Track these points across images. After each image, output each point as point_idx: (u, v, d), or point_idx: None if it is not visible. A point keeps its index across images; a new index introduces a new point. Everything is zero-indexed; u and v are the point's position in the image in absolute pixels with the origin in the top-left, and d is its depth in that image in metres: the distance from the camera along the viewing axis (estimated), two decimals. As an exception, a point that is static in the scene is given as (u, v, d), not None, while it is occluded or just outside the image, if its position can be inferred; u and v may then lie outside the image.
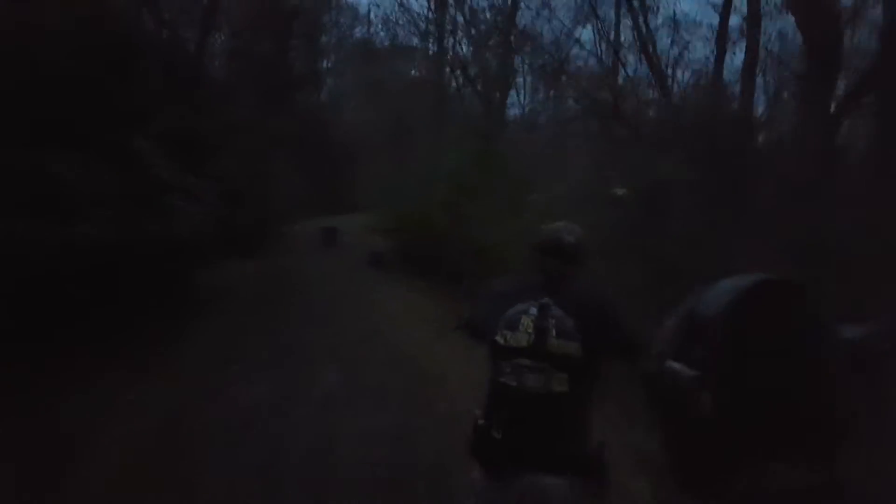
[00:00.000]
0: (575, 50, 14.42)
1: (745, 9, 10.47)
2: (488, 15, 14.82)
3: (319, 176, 15.84)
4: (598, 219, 6.11)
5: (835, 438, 1.11)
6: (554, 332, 2.05)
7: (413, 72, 21.56)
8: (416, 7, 20.50)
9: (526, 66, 15.73)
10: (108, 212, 5.19)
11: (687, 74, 12.88)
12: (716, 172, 6.54)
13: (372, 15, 29.17)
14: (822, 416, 1.18)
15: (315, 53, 24.22)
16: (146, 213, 5.73)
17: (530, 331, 2.07)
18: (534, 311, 2.09)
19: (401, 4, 19.90)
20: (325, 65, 25.10)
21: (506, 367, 2.08)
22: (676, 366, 1.49)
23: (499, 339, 2.11)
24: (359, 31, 24.29)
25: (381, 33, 22.48)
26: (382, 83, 20.54)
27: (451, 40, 18.10)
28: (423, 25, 19.09)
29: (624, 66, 12.12)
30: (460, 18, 17.17)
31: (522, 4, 15.12)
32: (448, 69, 17.28)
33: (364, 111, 21.61)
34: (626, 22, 12.98)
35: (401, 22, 20.01)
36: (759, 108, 10.81)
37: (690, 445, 1.37)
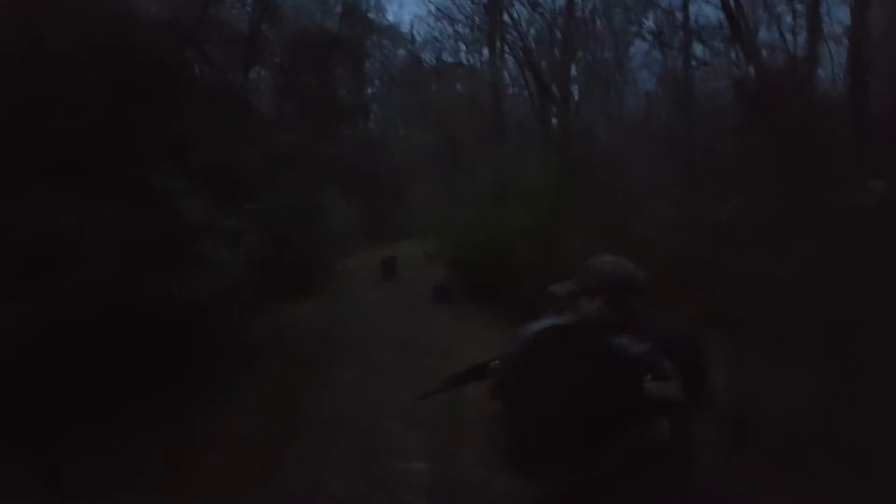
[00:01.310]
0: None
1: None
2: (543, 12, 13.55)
3: (370, 204, 14.95)
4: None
5: (631, 463, 1.09)
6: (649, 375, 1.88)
7: (458, 87, 20.53)
8: (459, 15, 19.34)
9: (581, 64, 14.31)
10: (113, 268, 4.22)
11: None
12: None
13: (415, 32, 28.45)
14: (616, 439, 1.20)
15: (360, 80, 23.81)
16: (173, 265, 4.76)
17: None
18: None
19: (443, 15, 18.86)
20: (370, 91, 24.67)
21: None
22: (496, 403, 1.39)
23: None
24: (402, 53, 23.61)
25: (427, 51, 21.64)
26: (431, 103, 19.70)
27: (502, 46, 16.96)
28: (469, 32, 18.02)
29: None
30: (508, 19, 16.09)
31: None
32: (505, 74, 16.06)
33: (414, 134, 20.81)
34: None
35: (447, 34, 19.08)
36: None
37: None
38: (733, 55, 10.05)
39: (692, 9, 11.29)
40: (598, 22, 13.66)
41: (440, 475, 4.09)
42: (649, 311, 2.03)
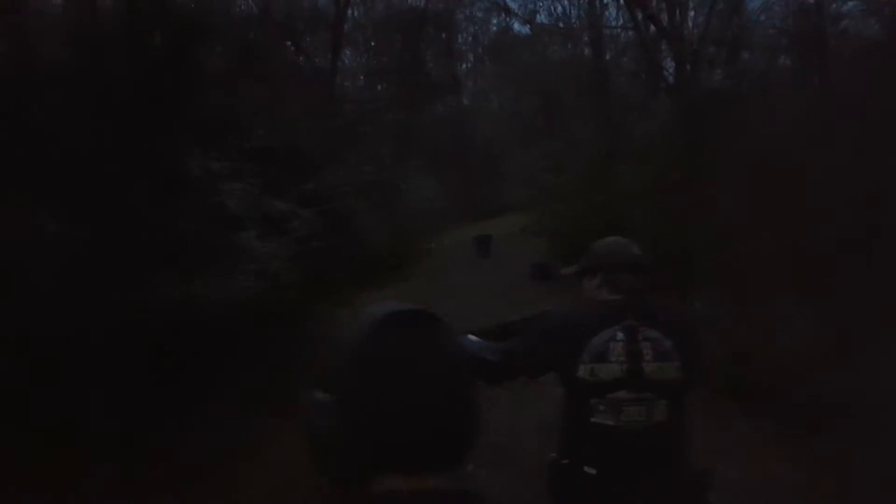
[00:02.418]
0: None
1: None
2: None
3: (463, 179, 13.96)
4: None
5: (460, 449, 0.88)
6: (650, 354, 1.80)
7: (556, 49, 18.99)
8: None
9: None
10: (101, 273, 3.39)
11: None
12: None
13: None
14: (450, 429, 0.97)
15: (450, 54, 22.94)
16: (194, 263, 3.91)
17: (622, 359, 1.80)
18: (621, 335, 1.82)
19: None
20: (463, 66, 23.76)
21: (598, 405, 1.81)
22: (319, 394, 1.10)
23: (583, 374, 1.81)
24: (496, 23, 22.41)
25: (520, 18, 20.36)
26: (528, 72, 18.41)
27: None
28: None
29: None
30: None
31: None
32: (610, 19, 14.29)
33: (509, 103, 19.62)
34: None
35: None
36: None
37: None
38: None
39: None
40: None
41: None
42: (655, 293, 1.93)
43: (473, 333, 1.93)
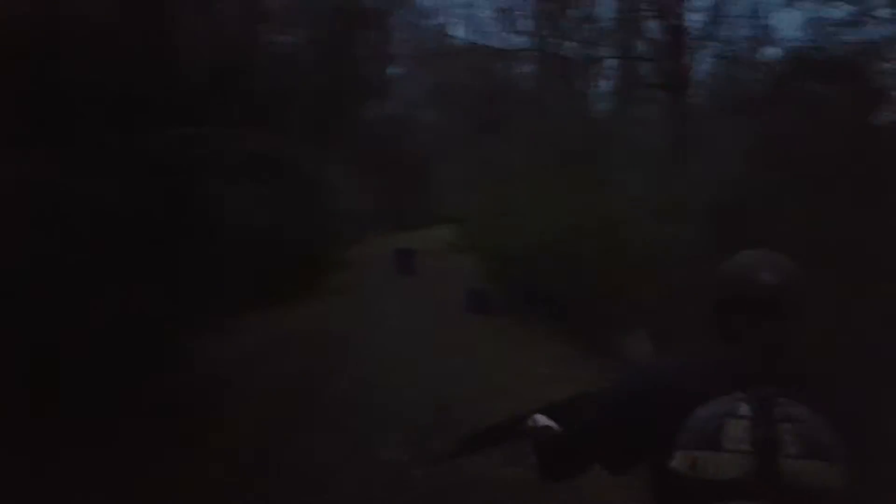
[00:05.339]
0: None
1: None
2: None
3: (389, 186, 12.69)
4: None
5: None
6: (792, 446, 1.11)
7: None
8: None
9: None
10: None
11: None
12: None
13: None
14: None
15: (383, 57, 21.89)
16: None
17: (746, 447, 1.12)
18: (745, 409, 1.14)
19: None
20: (395, 70, 22.85)
21: None
22: None
23: (681, 464, 1.15)
24: (432, 30, 21.67)
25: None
26: (463, 83, 17.70)
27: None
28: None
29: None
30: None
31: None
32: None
33: (444, 115, 18.88)
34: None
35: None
36: None
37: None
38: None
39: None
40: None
41: None
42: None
43: (542, 411, 1.49)
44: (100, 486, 3.01)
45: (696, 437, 1.18)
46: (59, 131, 3.56)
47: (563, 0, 12.64)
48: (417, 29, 21.78)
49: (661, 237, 5.52)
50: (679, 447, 1.18)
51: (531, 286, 6.82)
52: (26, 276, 3.04)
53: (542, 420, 1.44)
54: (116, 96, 4.01)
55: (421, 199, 13.03)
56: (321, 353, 5.79)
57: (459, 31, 20.06)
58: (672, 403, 1.23)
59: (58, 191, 3.34)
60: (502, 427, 1.55)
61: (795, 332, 1.27)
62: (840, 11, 5.87)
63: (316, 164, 9.22)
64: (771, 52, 8.63)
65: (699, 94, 9.53)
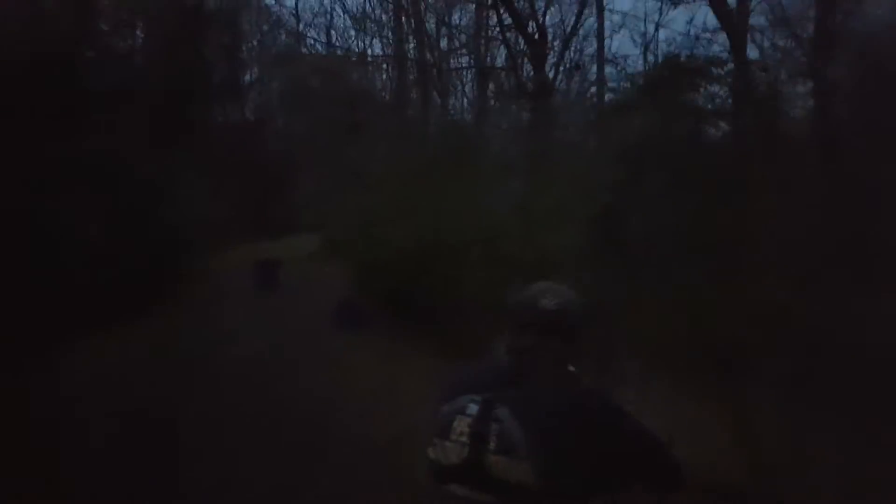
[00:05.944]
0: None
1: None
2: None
3: (248, 194, 11.98)
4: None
5: None
6: (493, 443, 1.34)
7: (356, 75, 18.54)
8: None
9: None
10: None
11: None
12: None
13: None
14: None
15: (235, 62, 20.80)
16: None
17: (464, 439, 1.37)
18: (473, 408, 1.38)
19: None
20: (249, 77, 21.78)
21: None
22: None
23: (431, 450, 1.43)
24: (286, 36, 20.98)
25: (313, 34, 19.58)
26: (318, 89, 17.32)
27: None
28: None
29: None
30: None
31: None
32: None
33: (301, 121, 18.31)
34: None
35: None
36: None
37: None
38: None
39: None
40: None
41: None
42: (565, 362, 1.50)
43: None
44: None
45: (437, 427, 1.42)
46: None
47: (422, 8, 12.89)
48: (274, 33, 21.00)
49: (529, 244, 5.67)
50: (433, 434, 1.43)
51: (398, 296, 6.75)
52: None
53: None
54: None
55: (282, 206, 12.49)
56: (170, 374, 5.19)
57: (319, 36, 19.68)
58: (445, 395, 1.49)
59: None
60: None
61: (573, 345, 1.53)
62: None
63: (158, 169, 8.42)
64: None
65: (561, 101, 10.14)
